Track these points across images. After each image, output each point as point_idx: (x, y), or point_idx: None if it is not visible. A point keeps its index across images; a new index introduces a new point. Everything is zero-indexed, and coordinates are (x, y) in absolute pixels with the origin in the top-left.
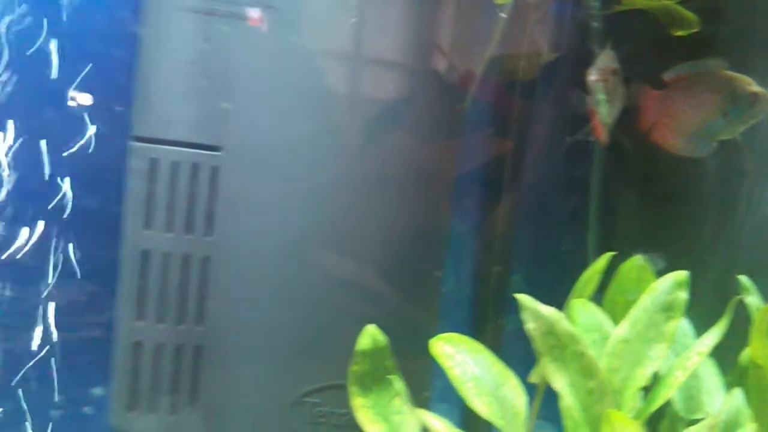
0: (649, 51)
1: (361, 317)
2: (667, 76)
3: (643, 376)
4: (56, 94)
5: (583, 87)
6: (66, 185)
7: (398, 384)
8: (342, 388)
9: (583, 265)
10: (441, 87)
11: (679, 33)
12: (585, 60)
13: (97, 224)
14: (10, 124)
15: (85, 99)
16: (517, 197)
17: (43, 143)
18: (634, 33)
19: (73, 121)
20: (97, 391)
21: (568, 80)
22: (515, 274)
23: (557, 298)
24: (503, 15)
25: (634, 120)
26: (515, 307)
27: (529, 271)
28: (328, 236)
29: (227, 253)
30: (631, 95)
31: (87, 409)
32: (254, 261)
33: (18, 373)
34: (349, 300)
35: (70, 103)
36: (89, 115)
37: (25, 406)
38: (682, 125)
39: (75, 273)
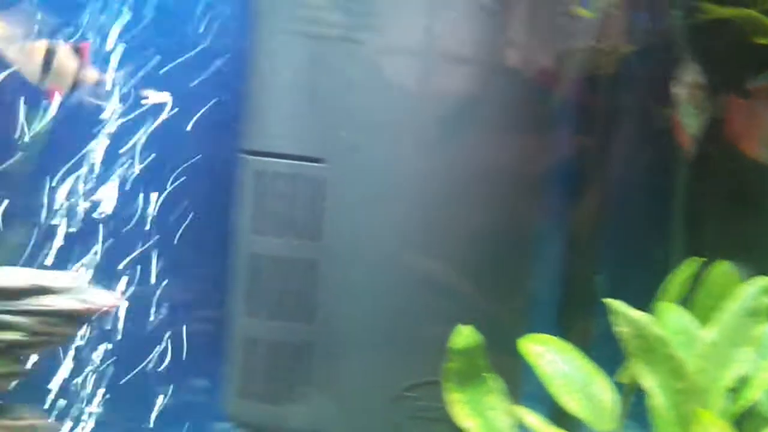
0: (733, 60)
1: (455, 316)
2: (752, 85)
3: (730, 377)
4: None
5: (668, 98)
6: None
7: (492, 381)
8: (439, 384)
9: (666, 269)
10: (529, 87)
11: (763, 41)
12: (668, 61)
13: (210, 227)
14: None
15: (161, 97)
16: (602, 198)
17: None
18: (718, 42)
19: (187, 135)
20: (209, 380)
21: (652, 79)
22: (599, 274)
23: (640, 299)
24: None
25: (719, 129)
26: (602, 309)
27: (613, 272)
28: (426, 240)
29: (334, 257)
30: (716, 105)
31: (200, 397)
32: (359, 264)
33: (138, 362)
34: (445, 300)
35: (143, 102)
36: (203, 126)
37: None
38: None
39: (190, 270)
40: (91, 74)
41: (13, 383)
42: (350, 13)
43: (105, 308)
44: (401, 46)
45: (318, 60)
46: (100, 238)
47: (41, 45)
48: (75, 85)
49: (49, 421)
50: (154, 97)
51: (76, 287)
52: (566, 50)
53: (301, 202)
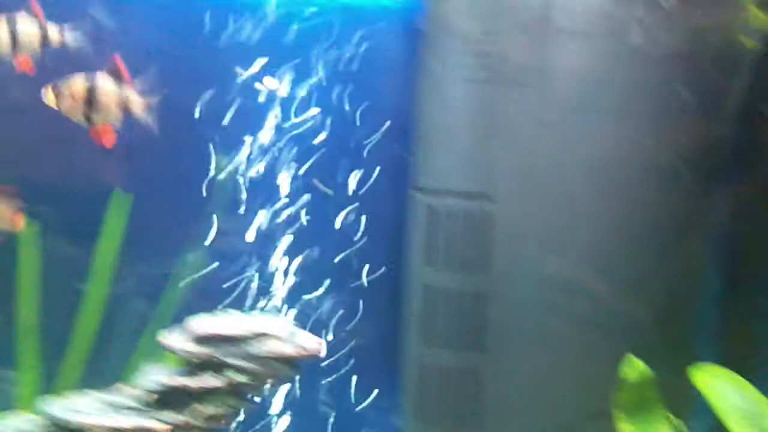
0: None
1: (625, 346)
2: None
3: None
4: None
5: None
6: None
7: (662, 412)
8: (609, 415)
9: None
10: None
11: None
12: None
13: (380, 254)
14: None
15: (272, 83)
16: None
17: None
18: None
19: (364, 164)
20: (386, 404)
21: None
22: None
23: None
24: None
25: None
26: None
27: None
28: (593, 271)
29: (503, 289)
30: None
31: (370, 413)
32: (527, 295)
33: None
34: (614, 329)
35: (258, 86)
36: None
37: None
38: None
39: (364, 293)
40: (136, 99)
41: (235, 419)
42: (520, 59)
43: (315, 352)
44: (569, 88)
45: (488, 103)
46: (288, 276)
47: (79, 82)
48: (123, 115)
49: None
50: (268, 83)
51: (289, 333)
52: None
53: (471, 237)
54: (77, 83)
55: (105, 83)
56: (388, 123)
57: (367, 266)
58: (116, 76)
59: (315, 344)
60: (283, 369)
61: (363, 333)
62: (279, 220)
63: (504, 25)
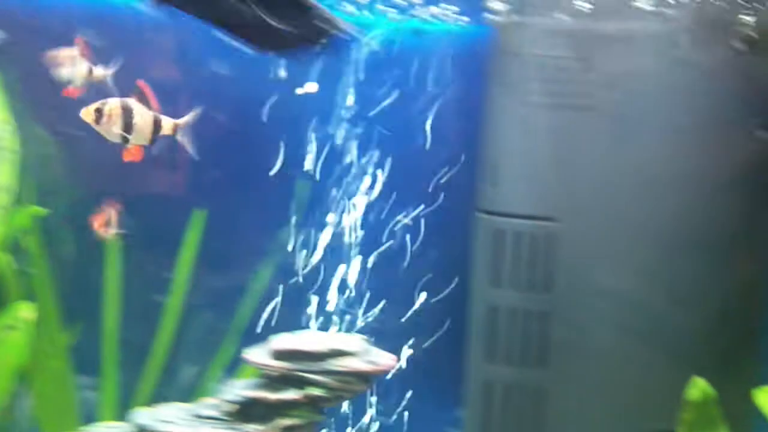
0: None
1: (688, 365)
2: None
3: None
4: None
5: None
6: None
7: (725, 431)
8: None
9: None
10: None
11: None
12: None
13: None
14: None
15: (312, 87)
16: None
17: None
18: None
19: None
20: (449, 419)
21: None
22: None
23: None
24: None
25: None
26: None
27: None
28: (654, 287)
29: (565, 308)
30: None
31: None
32: (588, 314)
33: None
34: (676, 344)
35: (299, 91)
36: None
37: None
38: None
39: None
40: (166, 121)
41: (310, 430)
42: (587, 84)
43: (387, 368)
44: (632, 113)
45: (553, 127)
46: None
47: (115, 105)
48: (154, 139)
49: None
50: (308, 87)
51: (363, 350)
52: None
53: (535, 258)
54: (115, 105)
55: (138, 106)
56: (455, 146)
57: (431, 285)
58: (143, 100)
59: (388, 360)
60: (358, 384)
61: (426, 349)
62: (349, 240)
63: (571, 51)
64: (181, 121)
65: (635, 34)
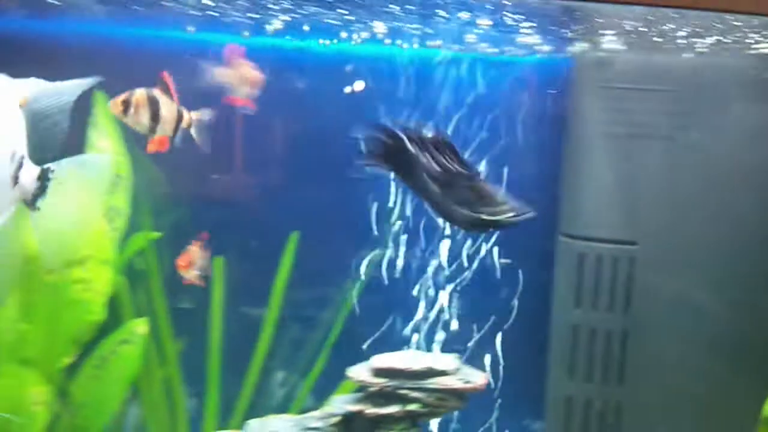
0: None
1: (763, 377)
2: None
3: None
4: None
5: None
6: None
7: None
8: None
9: None
10: None
11: None
12: None
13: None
14: None
15: (359, 86)
16: None
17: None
18: None
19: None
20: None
21: None
22: None
23: None
24: None
25: None
26: None
27: None
28: (729, 305)
29: (643, 328)
30: None
31: None
32: (665, 334)
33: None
34: (751, 362)
35: (347, 90)
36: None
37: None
38: None
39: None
40: (187, 114)
41: None
42: (663, 114)
43: (480, 387)
44: (710, 141)
45: (631, 155)
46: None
47: (142, 96)
48: (176, 131)
49: None
50: (356, 86)
51: (457, 368)
52: None
53: (614, 279)
54: (142, 97)
55: (164, 97)
56: (530, 173)
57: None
58: (167, 92)
59: (481, 379)
60: (452, 401)
61: (510, 370)
62: (435, 261)
63: (648, 82)
64: (197, 114)
65: (711, 66)
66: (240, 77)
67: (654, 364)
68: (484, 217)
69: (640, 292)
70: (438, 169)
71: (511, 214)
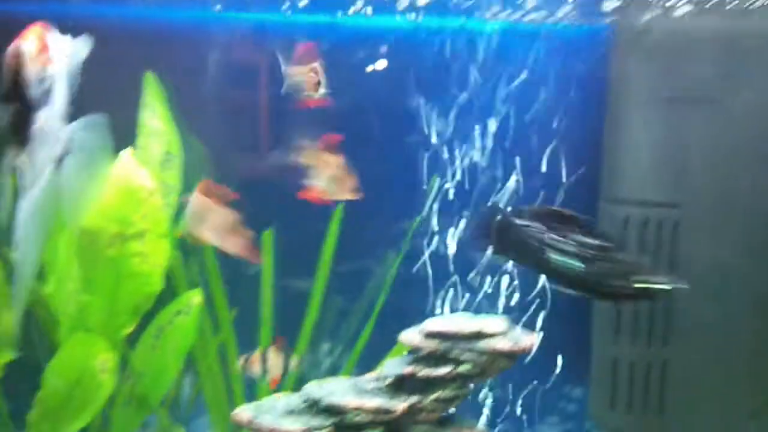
0: None
1: None
2: None
3: None
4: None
5: None
6: None
7: None
8: None
9: None
10: None
11: None
12: None
13: None
14: None
15: (381, 64)
16: None
17: None
18: None
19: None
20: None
21: None
22: None
23: None
24: None
25: None
26: None
27: None
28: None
29: (686, 293)
30: None
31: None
32: (708, 294)
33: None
34: None
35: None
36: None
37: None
38: None
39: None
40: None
41: (458, 403)
42: (706, 78)
43: (529, 347)
44: (756, 103)
45: (675, 119)
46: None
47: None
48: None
49: (479, 428)
50: (378, 65)
51: (507, 330)
52: None
53: (658, 242)
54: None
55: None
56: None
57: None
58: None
59: (529, 340)
60: (502, 361)
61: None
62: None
63: (693, 46)
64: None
65: (758, 29)
66: (311, 77)
67: (698, 324)
68: (638, 286)
69: (683, 254)
70: (576, 245)
71: (663, 283)
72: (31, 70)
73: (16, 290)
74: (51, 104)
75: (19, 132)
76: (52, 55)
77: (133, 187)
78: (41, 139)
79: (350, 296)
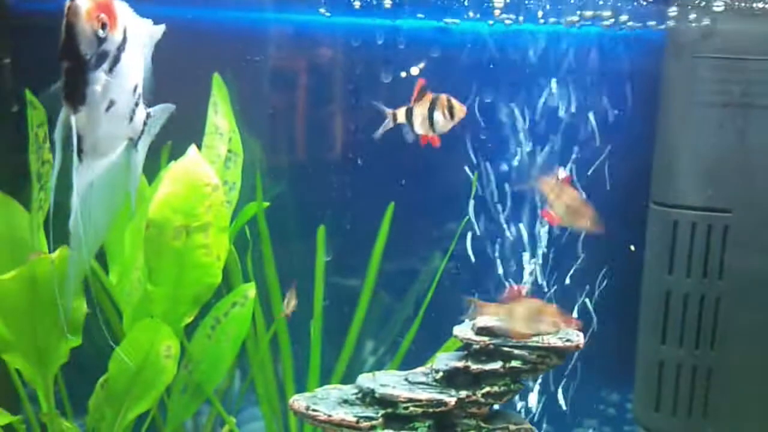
0: None
1: None
2: None
3: None
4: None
5: None
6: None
7: None
8: None
9: None
10: None
11: None
12: None
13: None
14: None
15: (416, 70)
16: None
17: None
18: None
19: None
20: (622, 394)
21: None
22: None
23: None
24: None
25: None
26: None
27: None
28: None
29: (736, 294)
30: None
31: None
32: (757, 300)
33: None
34: None
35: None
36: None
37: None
38: None
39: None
40: None
41: (508, 398)
42: (760, 83)
43: (578, 345)
44: None
45: (725, 124)
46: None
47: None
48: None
49: (527, 424)
50: (413, 70)
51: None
52: None
53: (707, 246)
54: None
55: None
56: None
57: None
58: None
59: (578, 338)
60: (553, 358)
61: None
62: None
63: (746, 51)
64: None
65: None
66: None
67: (746, 329)
68: None
69: (733, 259)
70: None
71: None
72: (86, 27)
73: (70, 268)
74: (117, 75)
75: (72, 89)
76: (116, 21)
77: (199, 182)
78: (101, 105)
79: (396, 295)
